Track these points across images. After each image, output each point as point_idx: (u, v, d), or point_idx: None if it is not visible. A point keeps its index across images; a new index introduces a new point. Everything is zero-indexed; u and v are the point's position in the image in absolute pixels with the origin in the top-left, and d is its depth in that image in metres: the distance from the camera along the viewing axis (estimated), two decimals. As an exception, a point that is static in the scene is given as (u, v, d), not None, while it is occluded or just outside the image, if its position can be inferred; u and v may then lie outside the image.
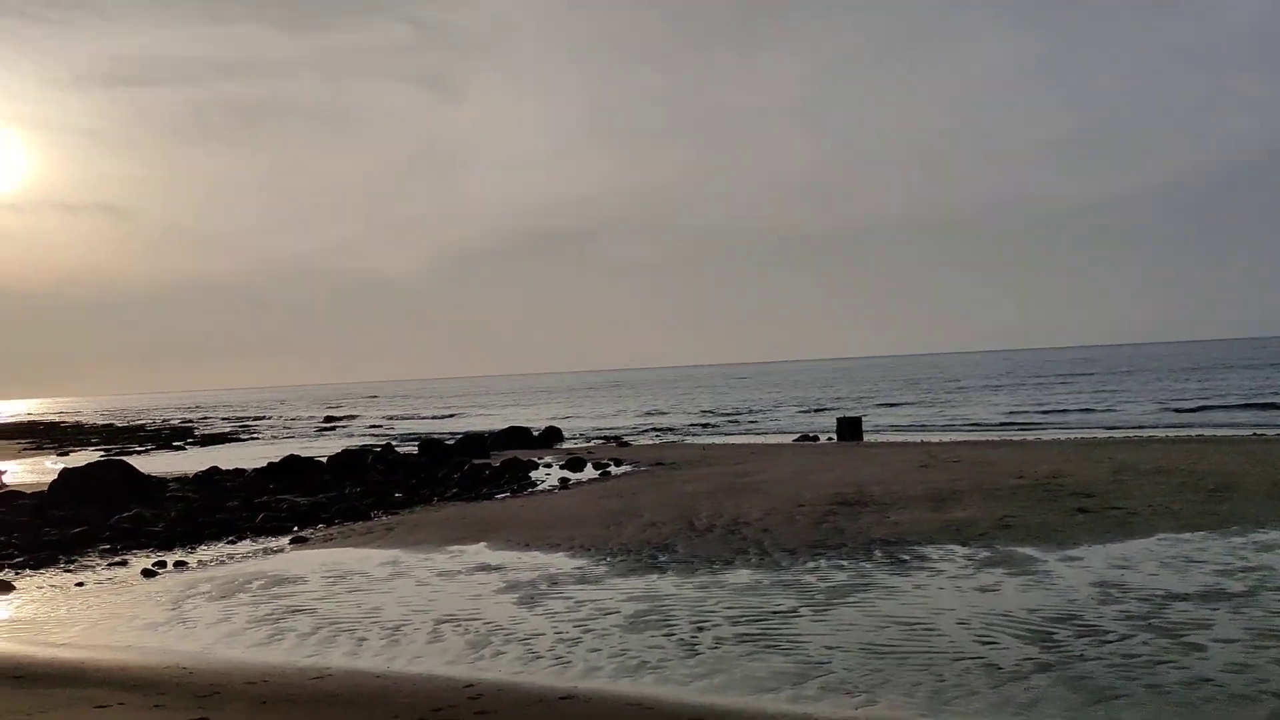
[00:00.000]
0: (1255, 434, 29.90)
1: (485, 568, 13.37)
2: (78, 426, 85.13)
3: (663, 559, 13.29)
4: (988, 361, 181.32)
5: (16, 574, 14.76)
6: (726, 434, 44.16)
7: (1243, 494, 15.77)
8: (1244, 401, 45.77)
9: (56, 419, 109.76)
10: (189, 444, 53.96)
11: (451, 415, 75.87)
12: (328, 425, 69.36)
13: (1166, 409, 45.11)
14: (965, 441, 31.92)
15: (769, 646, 8.89)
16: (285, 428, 69.44)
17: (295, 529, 18.29)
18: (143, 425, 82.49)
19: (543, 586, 11.93)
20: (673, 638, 9.34)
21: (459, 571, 13.21)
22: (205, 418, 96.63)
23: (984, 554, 12.48)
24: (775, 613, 10.07)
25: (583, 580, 12.19)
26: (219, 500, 22.10)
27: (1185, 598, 9.79)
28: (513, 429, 39.52)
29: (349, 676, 8.35)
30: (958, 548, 12.99)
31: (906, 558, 12.53)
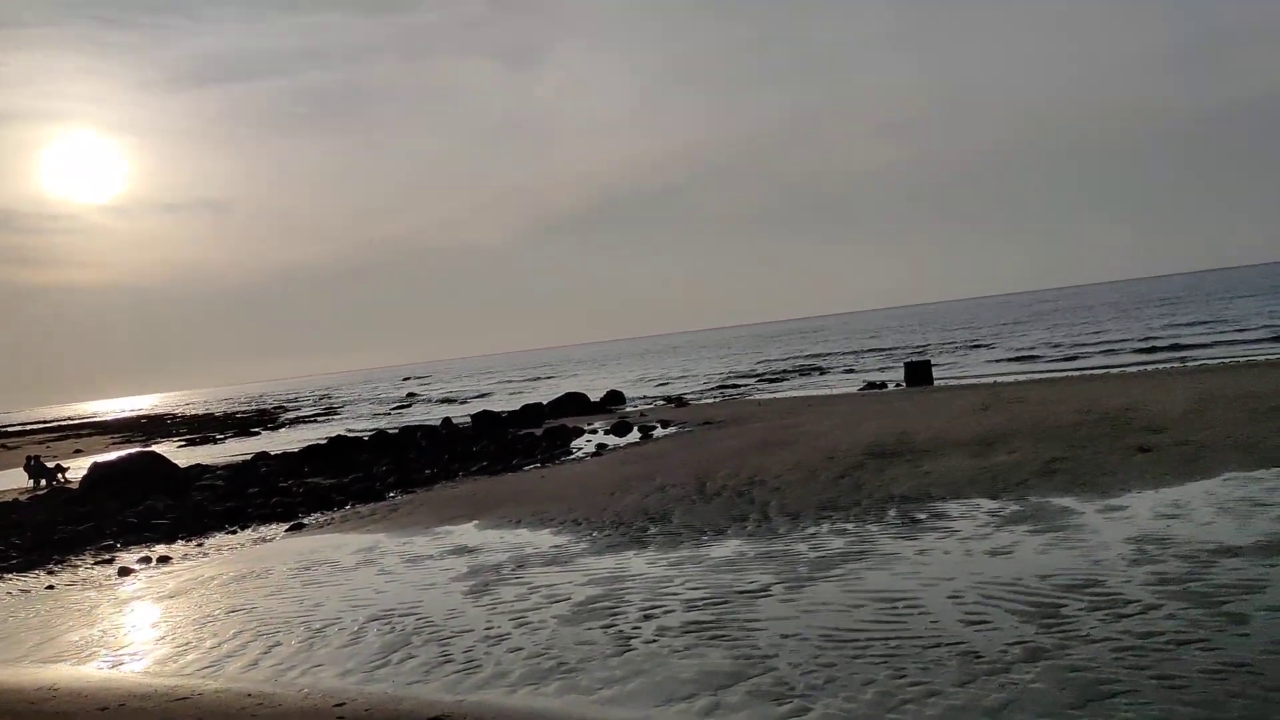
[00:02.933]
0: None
1: (460, 550, 12.23)
2: (175, 418, 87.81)
3: (651, 531, 11.94)
4: (1098, 293, 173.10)
5: (0, 578, 14.28)
6: (794, 387, 42.29)
7: (1338, 419, 13.57)
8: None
9: (165, 412, 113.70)
10: (268, 429, 54.62)
11: (531, 381, 75.48)
12: (403, 404, 69.69)
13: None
14: (1042, 379, 29.53)
15: (715, 638, 7.47)
16: (367, 407, 70.01)
17: (302, 514, 17.51)
18: (236, 414, 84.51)
19: (505, 571, 10.71)
20: (611, 630, 8.00)
21: (430, 556, 12.10)
22: (297, 402, 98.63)
23: (1012, 508, 10.77)
24: (742, 593, 8.63)
25: (552, 561, 10.93)
26: (243, 487, 21.57)
27: (1237, 552, 7.99)
28: (569, 395, 38.39)
29: (216, 698, 7.24)
30: (985, 501, 11.30)
31: (922, 516, 10.90)
